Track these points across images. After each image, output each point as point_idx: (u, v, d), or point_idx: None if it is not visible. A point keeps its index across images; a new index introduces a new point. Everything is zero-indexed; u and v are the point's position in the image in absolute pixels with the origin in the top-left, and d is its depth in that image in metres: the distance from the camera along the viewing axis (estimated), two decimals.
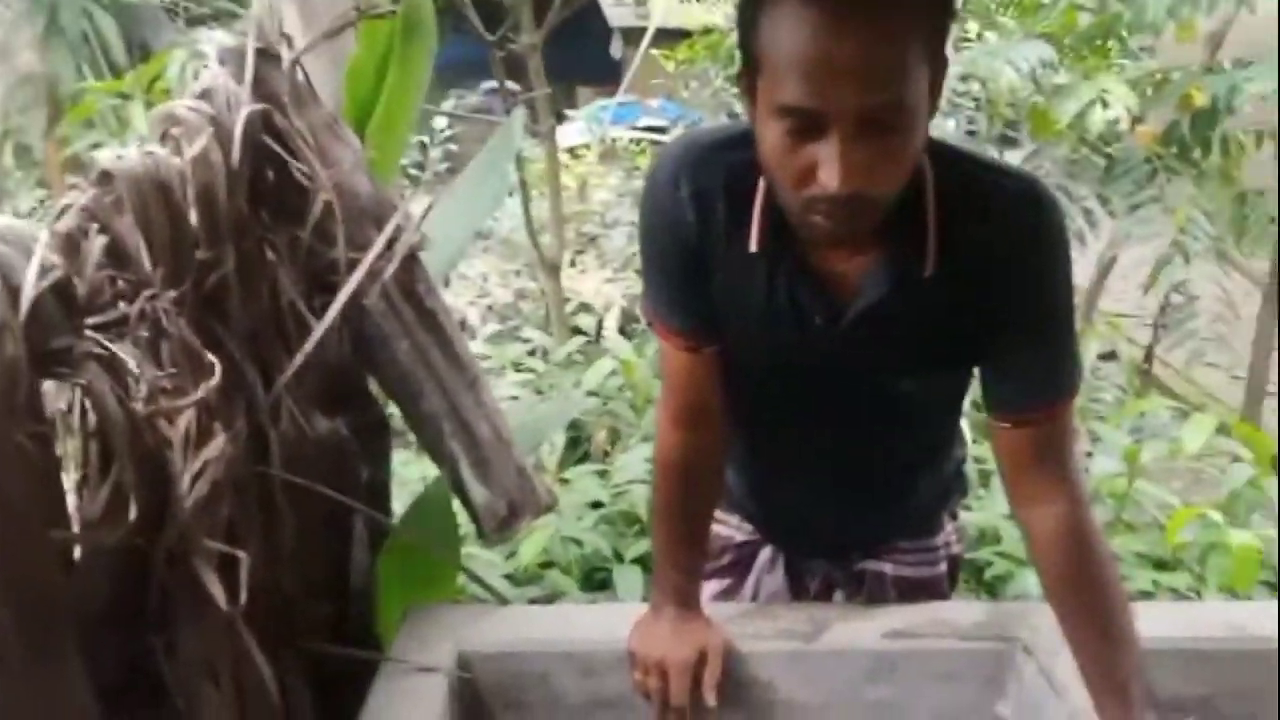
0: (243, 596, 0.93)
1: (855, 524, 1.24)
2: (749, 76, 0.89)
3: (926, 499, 1.24)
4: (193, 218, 1.04)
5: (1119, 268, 3.48)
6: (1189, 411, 2.54)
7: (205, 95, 1.07)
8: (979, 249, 0.96)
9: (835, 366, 1.04)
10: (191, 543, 0.93)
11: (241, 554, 0.95)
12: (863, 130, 0.82)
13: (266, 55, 1.15)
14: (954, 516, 1.30)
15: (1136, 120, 2.68)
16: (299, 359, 1.14)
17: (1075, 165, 3.02)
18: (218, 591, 0.91)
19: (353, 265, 1.20)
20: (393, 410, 1.35)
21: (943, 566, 1.27)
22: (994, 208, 0.96)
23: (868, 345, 1.02)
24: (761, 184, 0.97)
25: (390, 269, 1.21)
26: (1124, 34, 2.80)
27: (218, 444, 0.99)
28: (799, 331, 1.02)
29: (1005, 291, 0.97)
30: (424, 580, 1.32)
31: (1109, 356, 3.42)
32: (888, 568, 1.25)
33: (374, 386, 1.32)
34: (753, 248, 0.99)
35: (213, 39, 1.19)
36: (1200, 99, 2.61)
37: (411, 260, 1.25)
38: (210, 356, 0.97)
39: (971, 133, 3.79)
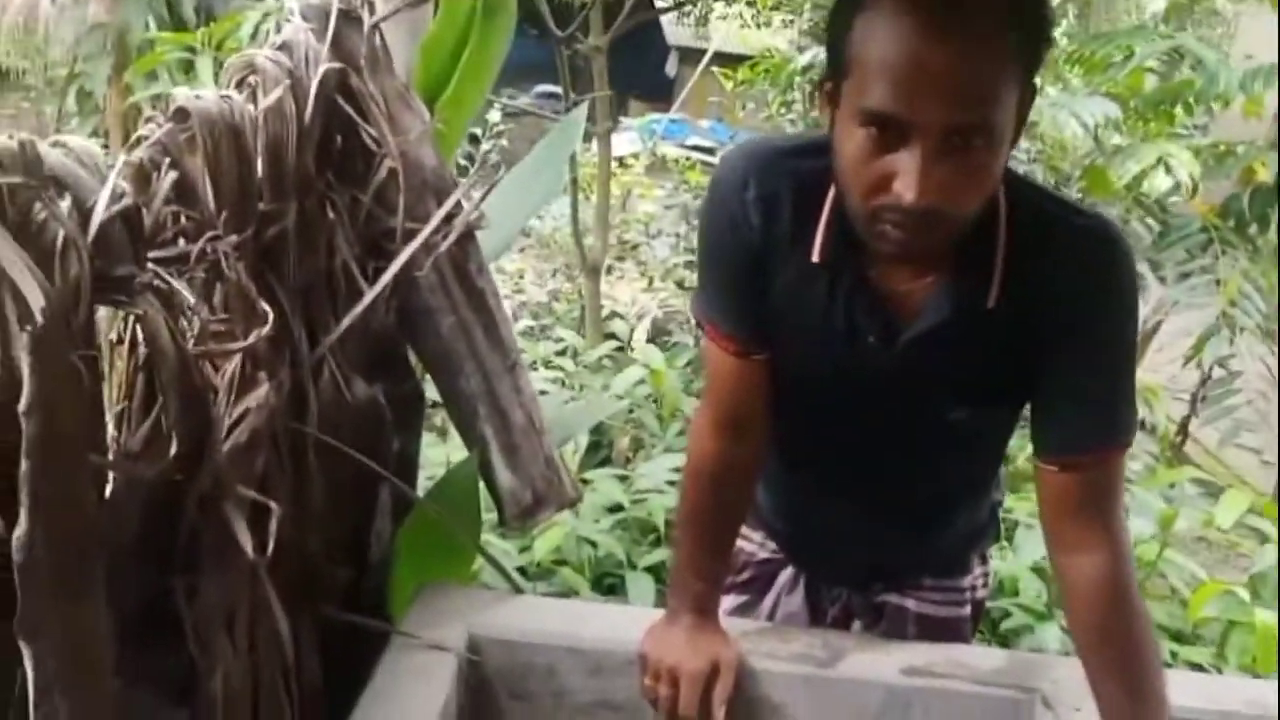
0: (269, 548, 0.92)
1: (884, 554, 1.21)
2: (834, 81, 0.88)
3: (959, 537, 1.22)
4: (260, 167, 1.05)
5: (1159, 337, 3.44)
6: (1219, 488, 2.50)
7: (285, 48, 1.07)
8: (1046, 284, 0.94)
9: (884, 388, 1.03)
10: (225, 488, 0.93)
11: (273, 505, 0.94)
12: (946, 145, 0.81)
13: (348, 16, 1.16)
14: (984, 560, 1.28)
15: (1196, 189, 2.65)
16: (346, 321, 1.13)
17: (1127, 228, 2.99)
18: (246, 540, 0.90)
19: (409, 235, 1.19)
20: (428, 385, 1.34)
21: (967, 609, 1.25)
22: (1065, 244, 0.94)
23: (921, 370, 1.00)
24: (831, 194, 0.96)
25: (446, 244, 1.21)
26: (1191, 102, 2.77)
27: (261, 393, 0.99)
28: (852, 348, 1.01)
29: (1068, 329, 0.95)
30: (442, 558, 1.30)
31: (1140, 426, 3.37)
32: (911, 603, 1.23)
33: (414, 359, 1.31)
34: (815, 258, 0.98)
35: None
36: (1264, 174, 2.58)
37: (467, 238, 1.25)
38: (264, 305, 0.97)
39: None
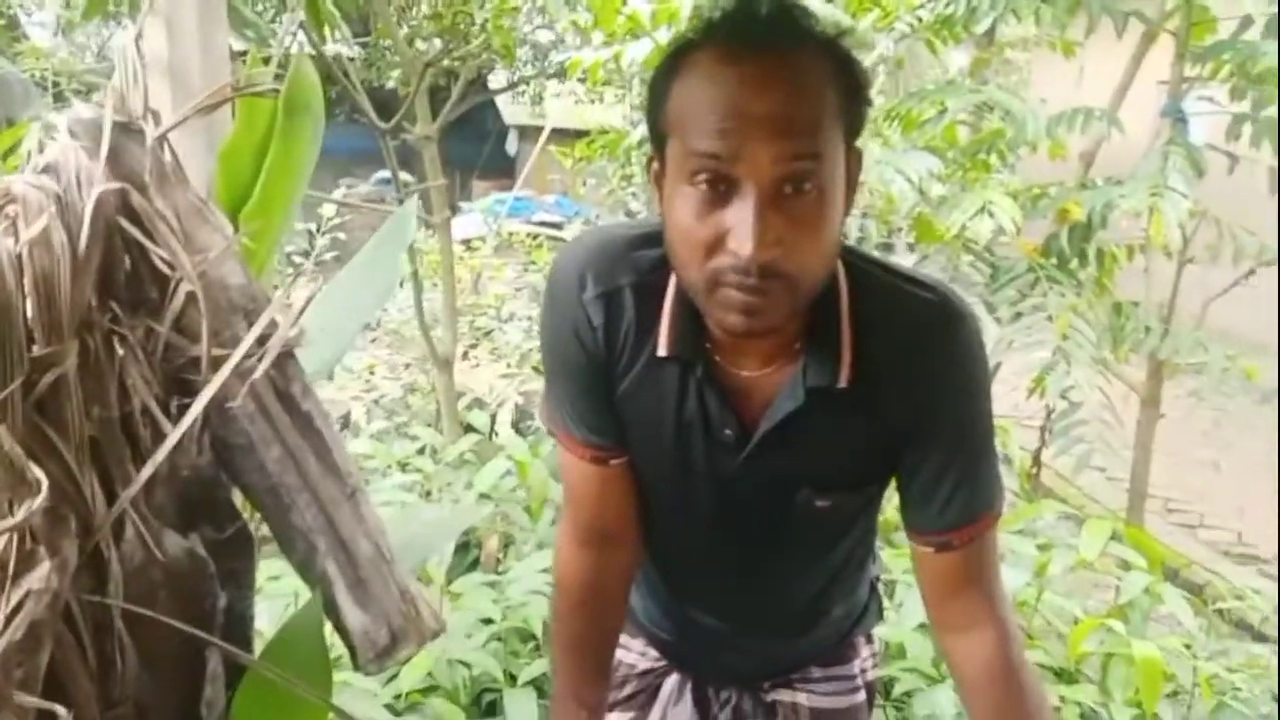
0: None
1: (767, 648, 1.16)
2: (659, 155, 0.85)
3: (841, 621, 1.17)
4: (28, 308, 0.92)
5: (1000, 374, 3.58)
6: (1077, 515, 2.57)
7: (50, 170, 0.95)
8: (894, 362, 0.92)
9: (745, 482, 0.98)
10: (0, 698, 0.78)
11: (61, 710, 0.79)
12: (777, 195, 0.78)
13: (127, 129, 1.04)
14: (870, 639, 1.23)
15: (1019, 231, 2.78)
16: (147, 470, 1.00)
17: (958, 273, 3.11)
18: None
19: (218, 363, 1.07)
20: (259, 521, 1.21)
21: (861, 695, 1.20)
22: (909, 320, 0.92)
23: (780, 460, 0.95)
24: (672, 283, 0.91)
25: (262, 368, 1.10)
26: (1004, 149, 2.92)
27: (40, 574, 0.84)
28: (708, 443, 0.96)
29: (921, 407, 0.93)
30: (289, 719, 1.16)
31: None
32: (803, 698, 1.17)
33: (238, 498, 1.18)
34: (662, 351, 0.93)
35: (71, 112, 1.08)
36: (1078, 213, 2.73)
37: (286, 358, 1.13)
38: (36, 471, 0.83)
39: (861, 240, 3.90)
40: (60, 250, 0.93)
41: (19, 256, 0.90)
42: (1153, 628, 2.18)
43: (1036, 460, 3.45)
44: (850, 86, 0.84)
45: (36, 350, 0.91)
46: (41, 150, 1.00)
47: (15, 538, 0.85)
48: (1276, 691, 1.79)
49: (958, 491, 0.93)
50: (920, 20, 2.97)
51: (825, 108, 0.80)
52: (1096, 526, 2.04)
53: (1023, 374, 3.05)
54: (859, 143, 0.87)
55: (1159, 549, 2.06)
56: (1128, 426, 3.01)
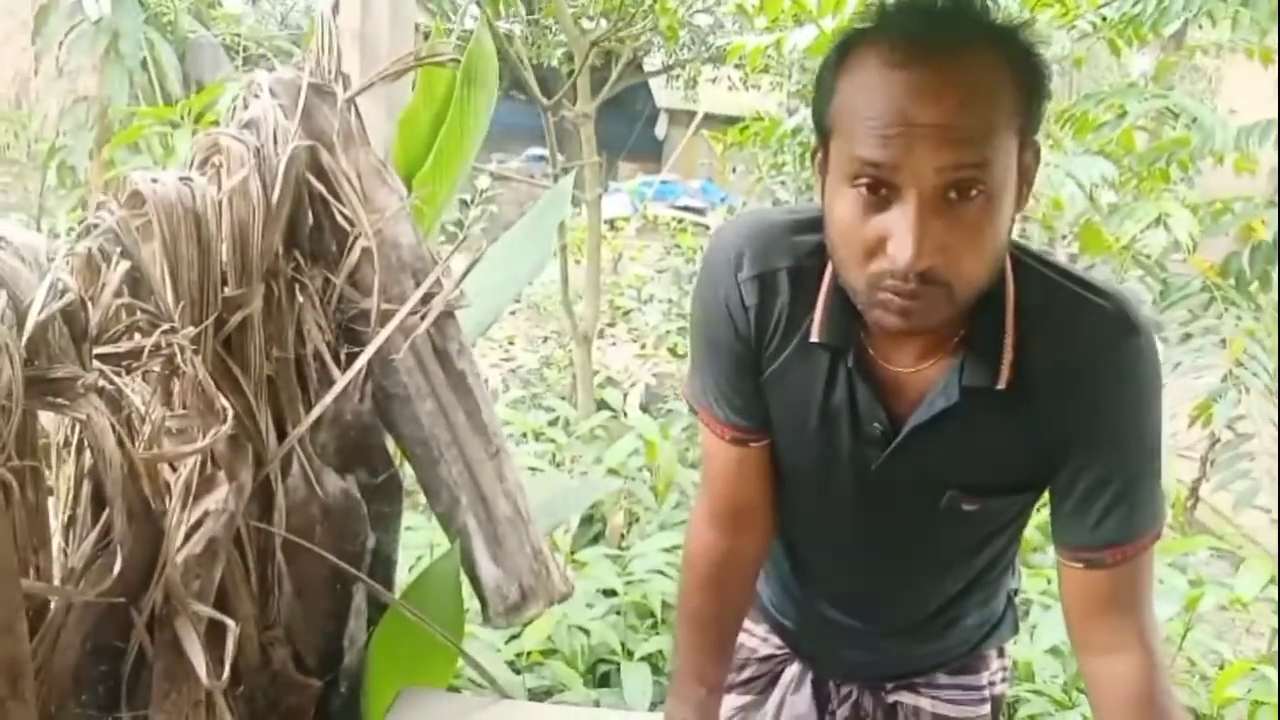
0: (227, 670, 0.84)
1: (894, 650, 1.13)
2: (823, 146, 0.83)
3: (974, 632, 1.14)
4: (224, 251, 0.99)
5: (1165, 397, 3.38)
6: (1232, 554, 2.42)
7: (251, 126, 1.02)
8: (1059, 367, 0.87)
9: (889, 478, 0.96)
10: (178, 604, 0.85)
11: (230, 623, 0.86)
12: (940, 201, 0.75)
13: (320, 91, 1.11)
14: (1001, 653, 1.19)
15: (1195, 246, 2.61)
16: (316, 412, 1.07)
17: (1125, 284, 2.95)
18: (200, 662, 0.82)
19: (386, 317, 1.13)
20: (407, 471, 1.27)
21: (986, 708, 1.16)
22: (1079, 324, 0.88)
23: (928, 458, 0.93)
24: (829, 270, 0.90)
25: (424, 325, 1.15)
26: (1186, 159, 2.74)
27: (219, 496, 0.92)
28: (854, 435, 0.94)
29: (1085, 417, 0.88)
30: (420, 661, 1.22)
31: None
32: (926, 703, 1.14)
33: (392, 446, 1.24)
34: (814, 337, 0.92)
35: (273, 73, 1.15)
36: (1263, 232, 2.55)
37: (447, 318, 1.19)
38: (224, 401, 0.90)
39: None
40: (256, 200, 1.00)
41: (220, 203, 0.98)
42: None
43: (1194, 493, 3.24)
44: (1029, 82, 0.79)
45: (229, 291, 0.98)
46: (246, 106, 1.07)
47: (199, 461, 0.93)
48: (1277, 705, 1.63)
49: (1115, 508, 0.89)
50: (1104, 19, 2.82)
51: (998, 110, 0.76)
52: (1257, 564, 1.91)
53: (1184, 400, 2.87)
54: (1037, 138, 0.84)
55: None
56: None
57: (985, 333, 0.87)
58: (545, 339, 4.33)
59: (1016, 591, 1.21)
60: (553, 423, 3.21)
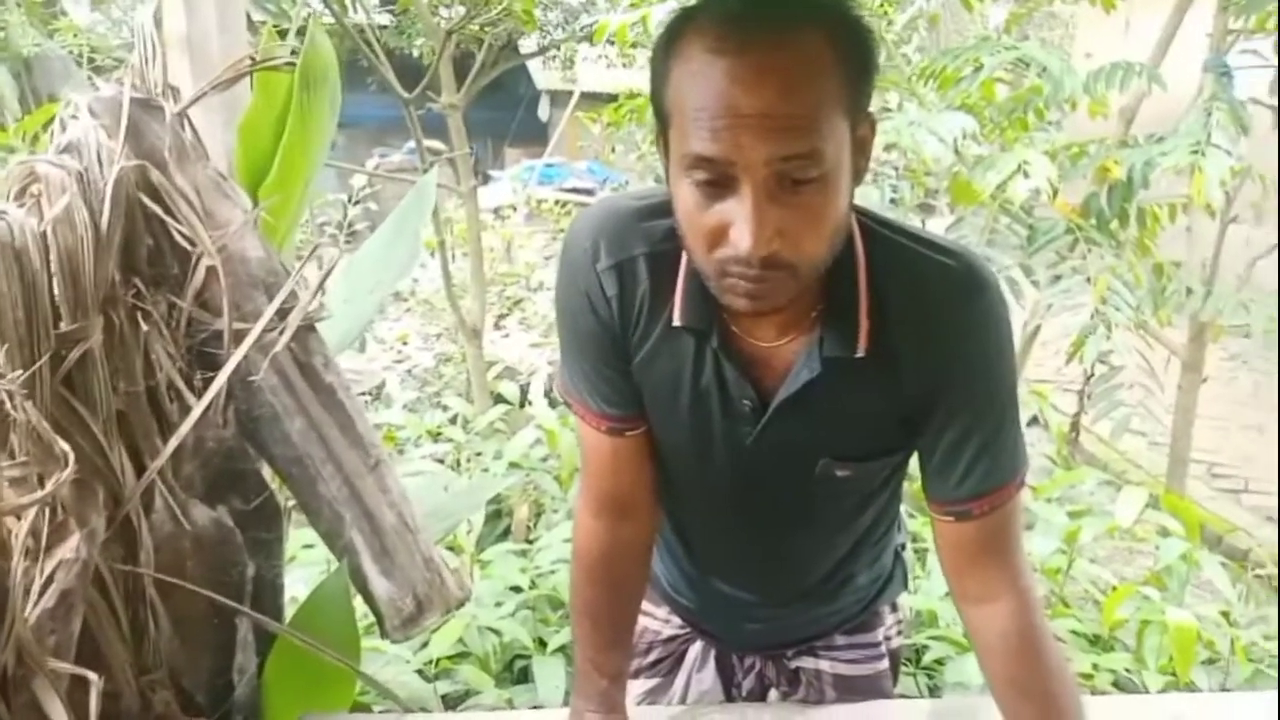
0: None
1: (791, 617, 1.15)
2: (663, 134, 0.82)
3: (865, 590, 1.16)
4: (54, 285, 0.93)
5: (1041, 336, 3.52)
6: (1115, 481, 2.54)
7: (71, 149, 0.96)
8: (912, 330, 0.89)
9: (764, 452, 0.96)
10: (32, 664, 0.80)
11: (93, 675, 0.81)
12: (776, 187, 0.75)
13: (147, 106, 1.05)
14: (894, 608, 1.22)
15: (1056, 191, 2.71)
16: (174, 443, 1.02)
17: (996, 235, 3.05)
18: None
19: (240, 337, 1.09)
20: (289, 493, 1.22)
21: (884, 663, 1.19)
22: (927, 286, 0.89)
23: (798, 429, 0.94)
24: (685, 253, 0.89)
25: (283, 341, 1.11)
26: (1041, 107, 2.85)
27: (70, 545, 0.86)
28: (725, 412, 0.95)
29: (939, 376, 0.90)
30: (318, 685, 1.18)
31: (1033, 423, 3.44)
32: (826, 665, 1.17)
33: (266, 470, 1.19)
34: (677, 321, 0.92)
35: (92, 91, 1.08)
36: (1117, 172, 2.66)
37: (307, 331, 1.14)
38: (63, 445, 0.85)
39: (894, 201, 3.84)
40: (83, 228, 0.94)
41: (44, 234, 0.92)
42: (1193, 595, 2.15)
43: (1075, 425, 3.40)
44: (857, 59, 0.79)
45: (63, 326, 0.92)
46: (64, 129, 1.01)
47: (46, 510, 0.87)
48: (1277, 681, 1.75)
49: (977, 462, 0.92)
50: None
51: (826, 95, 0.75)
52: (1132, 493, 2.00)
53: (1063, 338, 2.99)
54: (871, 110, 0.84)
55: (1197, 515, 2.02)
56: (1169, 391, 2.95)
57: (841, 302, 0.89)
58: (439, 335, 4.25)
59: (904, 546, 1.24)
60: (451, 421, 3.16)
